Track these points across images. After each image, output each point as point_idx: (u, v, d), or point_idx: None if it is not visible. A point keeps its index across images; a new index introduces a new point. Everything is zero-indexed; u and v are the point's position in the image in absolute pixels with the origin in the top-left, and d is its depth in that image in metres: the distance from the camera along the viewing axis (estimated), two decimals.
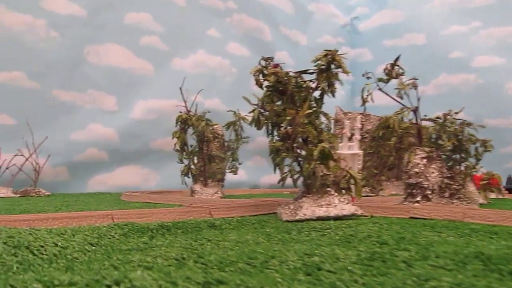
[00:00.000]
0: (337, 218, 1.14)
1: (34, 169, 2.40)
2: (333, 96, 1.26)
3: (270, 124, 1.25)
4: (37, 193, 2.28)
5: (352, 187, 1.23)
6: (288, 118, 1.18)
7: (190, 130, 2.14)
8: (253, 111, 1.26)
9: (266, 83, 1.25)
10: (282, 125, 1.21)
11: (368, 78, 1.52)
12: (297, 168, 1.23)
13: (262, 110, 1.25)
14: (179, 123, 2.12)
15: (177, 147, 2.12)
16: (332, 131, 2.28)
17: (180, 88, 2.11)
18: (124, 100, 3.03)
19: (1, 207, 1.46)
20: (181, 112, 2.14)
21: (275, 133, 1.25)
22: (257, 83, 1.26)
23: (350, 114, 2.46)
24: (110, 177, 2.97)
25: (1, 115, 2.54)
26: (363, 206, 1.27)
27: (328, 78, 1.24)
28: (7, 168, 2.30)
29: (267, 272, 0.54)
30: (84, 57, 2.87)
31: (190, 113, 2.14)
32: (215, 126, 2.19)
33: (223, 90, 3.48)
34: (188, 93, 2.15)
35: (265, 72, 1.24)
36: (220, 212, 1.25)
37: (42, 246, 0.67)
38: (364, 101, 1.52)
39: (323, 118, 1.30)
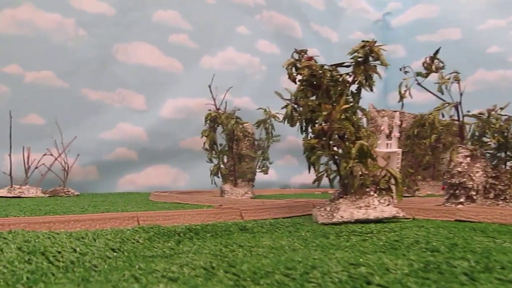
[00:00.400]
0: (377, 221, 1.06)
1: (63, 168, 2.38)
2: (371, 90, 1.18)
3: (304, 120, 1.17)
4: (66, 192, 2.26)
5: (393, 187, 1.15)
6: (324, 113, 1.10)
7: (220, 129, 2.08)
8: (285, 106, 1.19)
9: (299, 77, 1.17)
10: (317, 121, 1.13)
11: (405, 72, 1.43)
12: (334, 167, 1.15)
13: (296, 106, 1.18)
14: (208, 121, 2.07)
15: (206, 146, 2.06)
16: None
17: (209, 86, 2.06)
18: (153, 99, 3.00)
19: (27, 207, 1.43)
20: (210, 110, 2.08)
21: (310, 130, 1.18)
22: (289, 77, 1.19)
23: (383, 112, 2.37)
24: (139, 177, 2.94)
25: (30, 115, 2.54)
26: (403, 207, 1.18)
27: (366, 71, 1.16)
28: (36, 168, 2.28)
29: (308, 287, 0.47)
30: (113, 56, 2.86)
31: (220, 111, 2.08)
32: (245, 125, 2.13)
33: (252, 88, 3.41)
34: (217, 91, 2.10)
35: (298, 65, 1.17)
36: (252, 214, 1.18)
37: (59, 252, 0.61)
38: (402, 97, 1.43)
39: (359, 114, 1.22)
